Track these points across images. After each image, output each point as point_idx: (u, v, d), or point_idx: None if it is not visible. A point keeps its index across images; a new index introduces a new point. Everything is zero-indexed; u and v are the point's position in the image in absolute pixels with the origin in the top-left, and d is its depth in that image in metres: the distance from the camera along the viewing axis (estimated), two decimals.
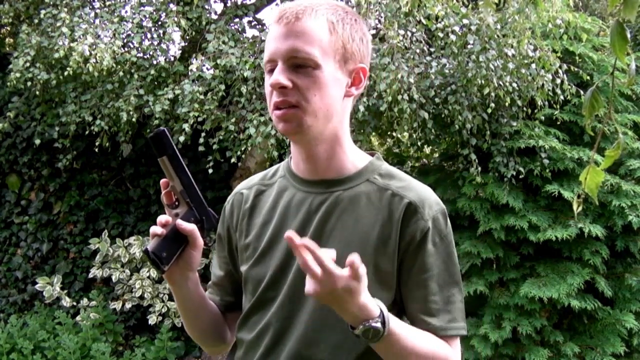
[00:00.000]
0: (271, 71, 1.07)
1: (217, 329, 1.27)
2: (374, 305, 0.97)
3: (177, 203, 1.13)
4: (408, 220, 1.08)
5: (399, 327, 1.01)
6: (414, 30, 3.76)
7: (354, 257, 0.92)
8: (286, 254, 1.12)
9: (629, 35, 1.00)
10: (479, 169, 3.85)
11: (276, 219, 1.16)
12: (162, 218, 1.12)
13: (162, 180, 1.13)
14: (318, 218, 1.11)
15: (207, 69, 4.11)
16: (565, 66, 3.90)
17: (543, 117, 4.03)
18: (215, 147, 4.12)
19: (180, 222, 1.10)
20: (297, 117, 1.05)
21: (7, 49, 5.61)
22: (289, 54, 1.04)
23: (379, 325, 0.96)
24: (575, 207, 1.16)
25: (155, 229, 1.11)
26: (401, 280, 1.10)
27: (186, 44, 4.80)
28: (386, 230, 1.08)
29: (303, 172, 1.15)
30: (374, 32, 3.83)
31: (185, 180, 1.12)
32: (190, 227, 1.11)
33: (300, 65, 1.04)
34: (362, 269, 0.94)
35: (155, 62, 4.37)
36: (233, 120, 4.08)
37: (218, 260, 1.30)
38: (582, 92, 3.92)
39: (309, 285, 0.93)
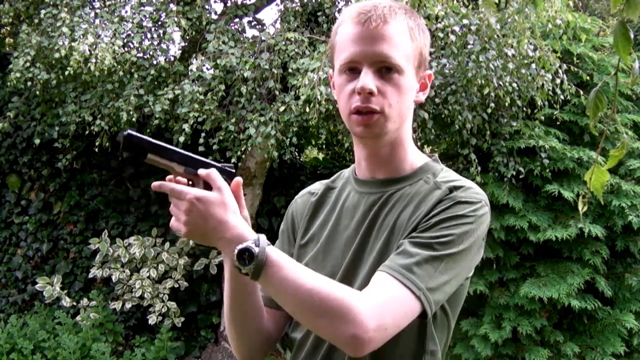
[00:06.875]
0: (350, 71, 1.05)
1: (261, 330, 1.18)
2: (250, 231, 0.95)
3: (191, 183, 1.05)
4: (439, 201, 1.04)
5: (281, 257, 0.94)
6: None
7: (209, 171, 0.97)
8: (341, 255, 1.12)
9: (632, 35, 1.00)
10: (479, 168, 3.85)
11: (332, 220, 1.16)
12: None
13: (167, 178, 1.03)
14: (370, 217, 1.11)
15: (207, 69, 4.10)
16: (565, 66, 3.89)
17: (543, 117, 4.03)
18: (215, 147, 4.12)
19: (202, 172, 1.00)
20: (379, 124, 1.05)
21: (7, 49, 5.61)
22: (377, 58, 1.02)
23: (252, 246, 0.91)
24: (580, 206, 1.16)
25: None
26: None
27: (186, 44, 4.80)
28: (421, 215, 1.05)
29: (362, 172, 1.16)
30: None
31: (179, 157, 1.02)
32: (206, 171, 1.00)
33: (386, 70, 1.03)
34: (221, 182, 0.96)
35: (155, 62, 4.37)
36: (233, 120, 4.08)
37: None
38: (582, 92, 3.92)
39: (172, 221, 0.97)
